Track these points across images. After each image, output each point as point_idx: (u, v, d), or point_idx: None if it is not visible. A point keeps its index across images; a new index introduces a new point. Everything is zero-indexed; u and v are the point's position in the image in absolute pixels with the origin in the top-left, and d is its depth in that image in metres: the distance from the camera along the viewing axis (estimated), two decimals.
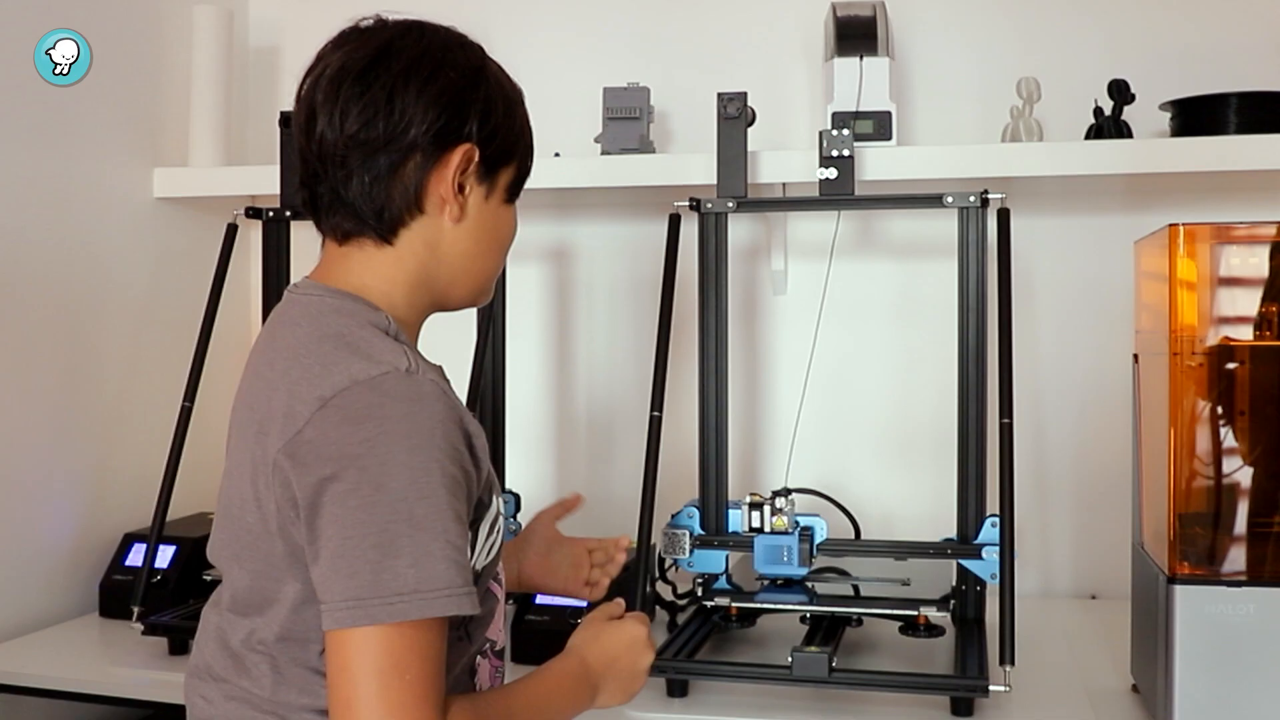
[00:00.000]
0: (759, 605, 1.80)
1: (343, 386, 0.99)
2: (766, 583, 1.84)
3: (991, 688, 1.53)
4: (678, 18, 2.40)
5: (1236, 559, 1.46)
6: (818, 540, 1.81)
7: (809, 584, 1.83)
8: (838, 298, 2.24)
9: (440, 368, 1.10)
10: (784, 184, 2.11)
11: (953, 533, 1.82)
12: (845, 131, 1.89)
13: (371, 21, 1.11)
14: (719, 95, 1.94)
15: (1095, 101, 2.05)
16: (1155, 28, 2.18)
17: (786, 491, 1.81)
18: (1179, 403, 1.43)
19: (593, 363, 2.46)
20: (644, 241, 2.32)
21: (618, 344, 2.42)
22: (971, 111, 2.23)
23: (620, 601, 1.29)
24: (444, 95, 1.07)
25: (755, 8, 2.36)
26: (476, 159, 1.10)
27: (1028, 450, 2.25)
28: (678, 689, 1.65)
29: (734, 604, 1.81)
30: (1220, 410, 1.46)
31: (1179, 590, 1.42)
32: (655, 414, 1.83)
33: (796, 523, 1.79)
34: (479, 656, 1.16)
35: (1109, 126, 2.02)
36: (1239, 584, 1.41)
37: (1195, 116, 1.97)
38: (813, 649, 1.59)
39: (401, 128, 1.06)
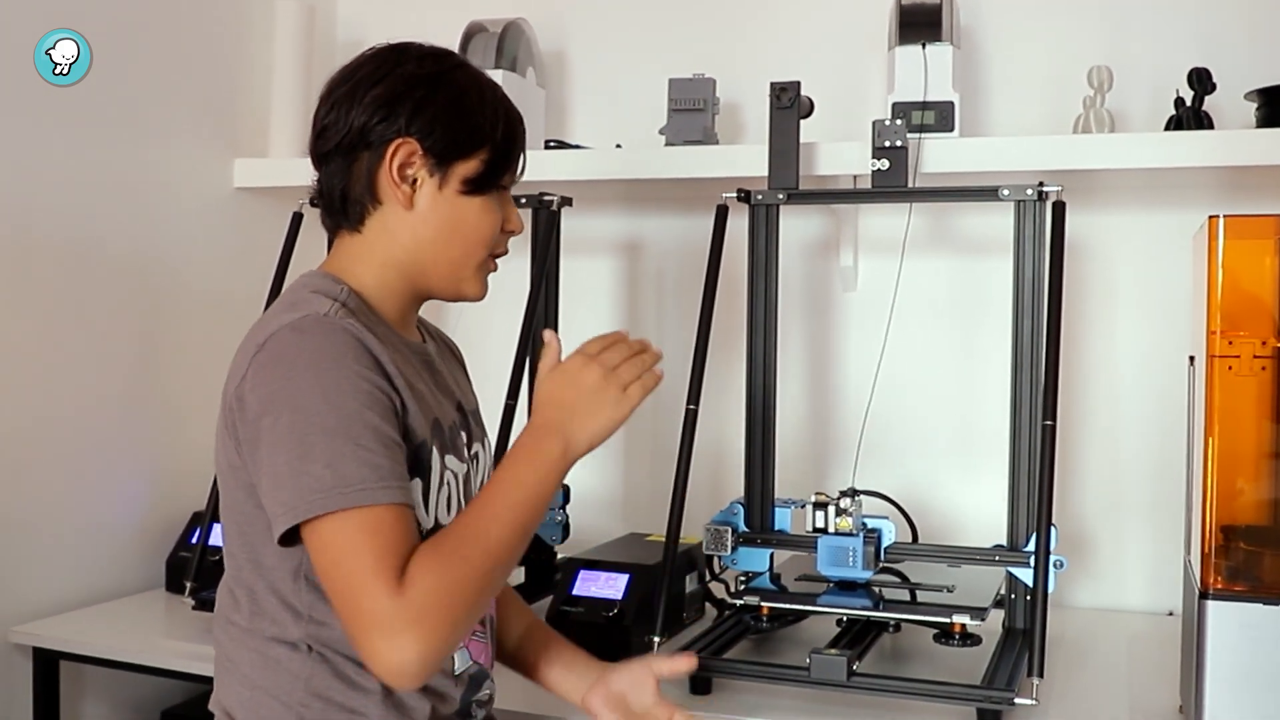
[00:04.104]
0: (789, 606, 1.76)
1: (272, 332, 1.14)
2: (831, 584, 1.78)
3: (1018, 700, 1.46)
4: (759, 7, 2.36)
5: (1276, 575, 1.36)
6: (885, 544, 1.75)
7: (875, 587, 1.77)
8: (908, 295, 2.17)
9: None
10: (854, 177, 2.05)
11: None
12: (899, 121, 1.83)
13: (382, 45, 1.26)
14: (771, 85, 1.89)
15: (1176, 92, 1.95)
16: (1240, 12, 2.05)
17: (854, 492, 1.75)
18: (1215, 408, 1.34)
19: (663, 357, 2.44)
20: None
21: (686, 338, 2.39)
22: (1048, 102, 2.13)
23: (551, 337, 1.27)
24: (380, 99, 1.20)
25: None
26: (420, 152, 1.21)
27: (1101, 458, 2.15)
28: (701, 686, 1.62)
29: (764, 604, 1.77)
30: (1265, 417, 1.36)
31: (1211, 606, 1.34)
32: (691, 407, 1.80)
33: (863, 524, 1.74)
34: None
35: (1189, 117, 1.91)
36: (1276, 602, 1.32)
37: None
38: (832, 652, 1.55)
39: (346, 129, 1.21)
